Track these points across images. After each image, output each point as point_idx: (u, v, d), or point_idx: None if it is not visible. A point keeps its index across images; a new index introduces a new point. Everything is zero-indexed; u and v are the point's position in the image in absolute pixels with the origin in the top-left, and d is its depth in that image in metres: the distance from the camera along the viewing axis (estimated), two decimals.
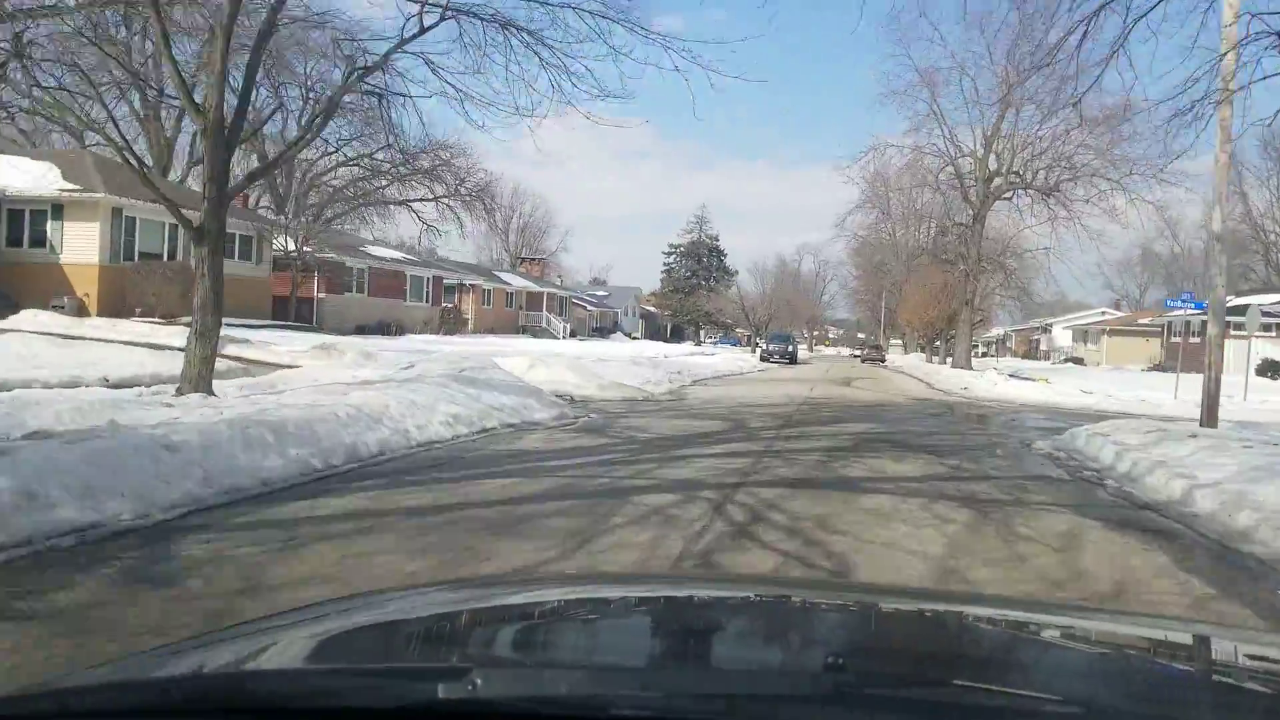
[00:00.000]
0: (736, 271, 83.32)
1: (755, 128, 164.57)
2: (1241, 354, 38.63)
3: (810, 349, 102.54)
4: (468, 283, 45.95)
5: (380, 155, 51.96)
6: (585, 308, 63.02)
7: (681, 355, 38.92)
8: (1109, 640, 1.48)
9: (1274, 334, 39.65)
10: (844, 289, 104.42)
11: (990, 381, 25.75)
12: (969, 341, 38.61)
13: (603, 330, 62.46)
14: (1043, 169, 35.23)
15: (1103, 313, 72.66)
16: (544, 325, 52.40)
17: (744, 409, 14.32)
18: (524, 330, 51.22)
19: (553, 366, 15.61)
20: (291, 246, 28.15)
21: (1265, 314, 36.74)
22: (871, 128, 78.07)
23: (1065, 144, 34.35)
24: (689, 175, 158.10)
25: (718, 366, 30.77)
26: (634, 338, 69.28)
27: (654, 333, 79.49)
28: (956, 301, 39.22)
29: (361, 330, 30.46)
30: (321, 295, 30.20)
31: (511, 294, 51.82)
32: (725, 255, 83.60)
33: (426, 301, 37.13)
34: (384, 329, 30.50)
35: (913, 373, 41.22)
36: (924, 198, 39.98)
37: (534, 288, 53.36)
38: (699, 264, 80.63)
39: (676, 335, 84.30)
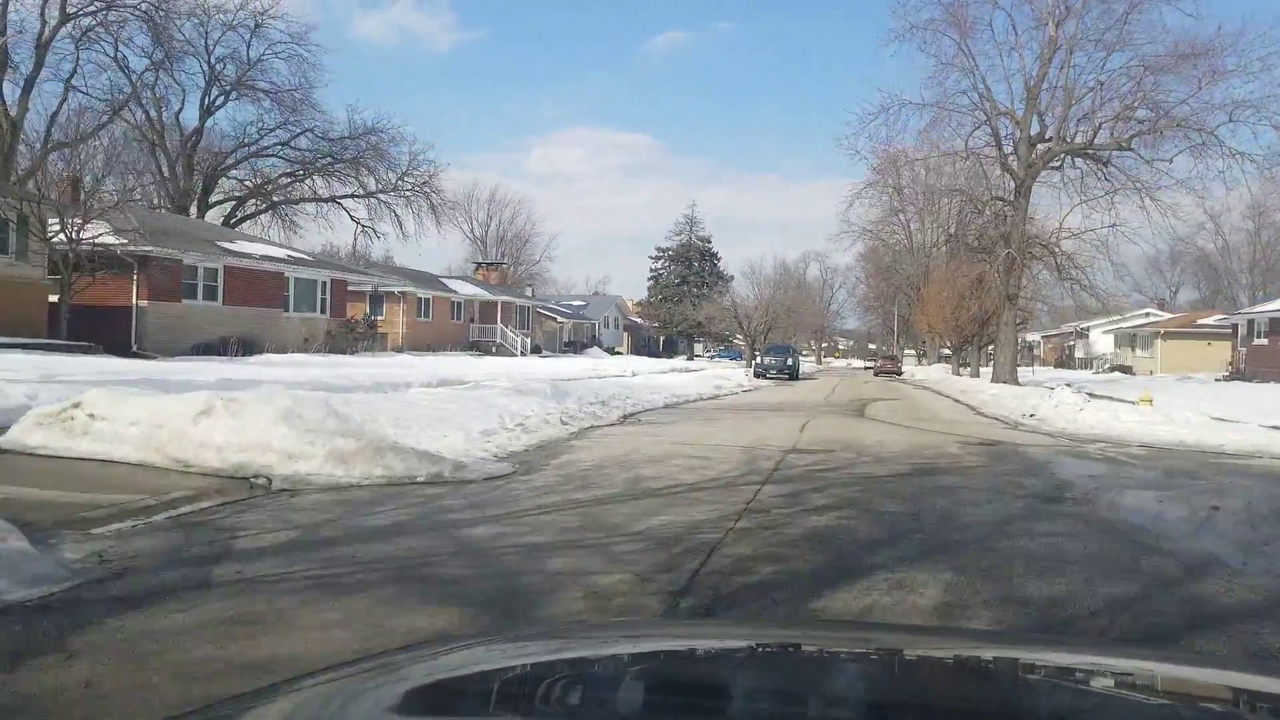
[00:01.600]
0: (732, 277, 75.25)
1: (763, 138, 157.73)
2: None
3: (819, 361, 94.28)
4: (397, 290, 38.03)
5: (302, 144, 44.23)
6: (555, 320, 54.97)
7: (651, 373, 30.96)
8: (1177, 690, 1.32)
9: None
10: (852, 296, 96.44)
11: (1069, 405, 17.57)
12: (1014, 349, 30.36)
13: (577, 345, 54.38)
14: (1108, 121, 27.11)
15: (1147, 314, 64.22)
16: (499, 340, 44.42)
17: (626, 508, 6.21)
18: (474, 346, 43.28)
19: (249, 415, 7.54)
20: (106, 237, 20.25)
21: None
22: (880, 83, 69.58)
23: (1138, 89, 26.28)
24: (699, 190, 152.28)
25: (683, 389, 22.68)
26: (616, 352, 61.25)
27: (641, 346, 71.43)
28: (995, 298, 31.06)
29: (200, 350, 22.55)
30: (143, 303, 22.25)
31: (459, 304, 43.87)
32: (719, 258, 75.56)
33: (320, 311, 29.16)
34: (224, 348, 22.52)
35: (942, 390, 32.99)
36: (948, 171, 31.75)
37: (486, 296, 45.39)
38: (689, 269, 72.44)
39: (669, 348, 76.21)
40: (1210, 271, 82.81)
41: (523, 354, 43.35)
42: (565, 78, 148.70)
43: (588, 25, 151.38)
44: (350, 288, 33.01)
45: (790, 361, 41.70)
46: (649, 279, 74.14)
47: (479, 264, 51.22)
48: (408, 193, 45.71)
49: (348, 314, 31.37)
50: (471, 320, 44.97)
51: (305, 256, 31.00)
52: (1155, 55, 25.84)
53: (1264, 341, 37.42)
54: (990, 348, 41.00)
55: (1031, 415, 18.09)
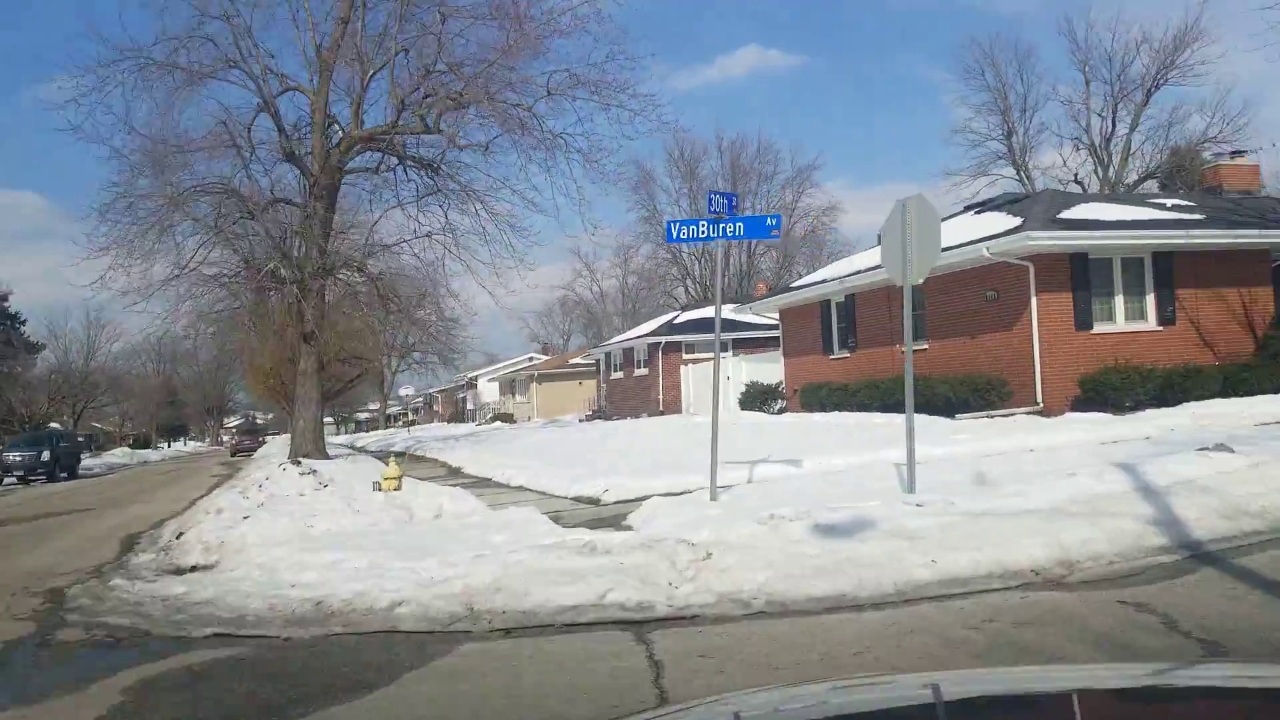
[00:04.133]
0: (43, 345, 56.93)
1: None
2: (706, 380, 28.11)
3: (215, 442, 78.30)
4: None
5: None
6: None
7: None
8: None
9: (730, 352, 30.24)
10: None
11: (240, 509, 9.01)
12: (317, 409, 21.65)
13: None
14: (412, 97, 20.23)
15: (530, 359, 63.08)
16: None
17: None
18: None
19: None
20: None
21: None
22: None
23: (440, 47, 19.87)
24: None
25: None
26: None
27: None
28: (293, 340, 22.44)
29: None
30: None
31: None
32: (23, 322, 56.47)
33: None
34: None
35: (219, 470, 23.29)
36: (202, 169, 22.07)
37: None
38: None
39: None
40: (591, 318, 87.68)
41: None
42: None
43: None
44: None
45: (47, 455, 28.52)
46: None
47: None
48: None
49: None
50: None
51: None
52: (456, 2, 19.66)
53: (620, 375, 35.06)
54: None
55: (179, 535, 9.18)
